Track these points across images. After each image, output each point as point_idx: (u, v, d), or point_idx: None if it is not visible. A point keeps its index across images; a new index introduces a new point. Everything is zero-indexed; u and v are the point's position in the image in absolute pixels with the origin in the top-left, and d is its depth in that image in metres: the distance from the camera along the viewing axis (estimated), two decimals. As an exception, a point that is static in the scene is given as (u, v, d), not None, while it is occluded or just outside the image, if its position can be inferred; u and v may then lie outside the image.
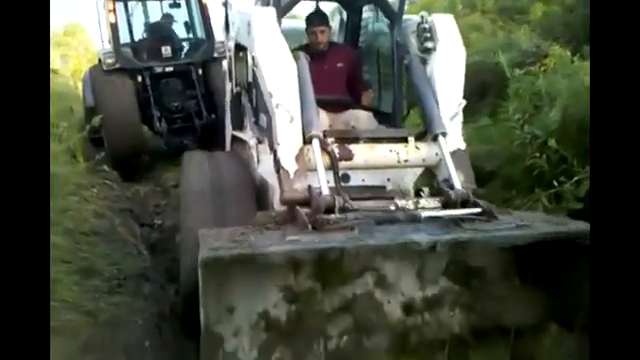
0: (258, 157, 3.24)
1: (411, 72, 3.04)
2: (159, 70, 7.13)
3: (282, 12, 3.08)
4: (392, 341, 2.44)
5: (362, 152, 2.79)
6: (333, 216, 2.24)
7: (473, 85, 4.53)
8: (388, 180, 3.13)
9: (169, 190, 5.79)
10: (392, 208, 2.45)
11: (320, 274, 2.31)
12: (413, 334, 2.47)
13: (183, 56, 7.52)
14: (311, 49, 3.68)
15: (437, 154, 2.80)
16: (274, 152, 2.60)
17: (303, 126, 2.62)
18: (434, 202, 2.52)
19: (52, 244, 3.49)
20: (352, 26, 4.10)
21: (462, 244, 2.26)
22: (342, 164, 2.68)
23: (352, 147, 2.75)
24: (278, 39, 2.74)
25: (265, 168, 3.04)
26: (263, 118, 3.06)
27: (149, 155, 6.98)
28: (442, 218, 2.41)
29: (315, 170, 2.49)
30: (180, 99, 7.25)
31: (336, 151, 2.64)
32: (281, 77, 2.67)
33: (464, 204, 2.49)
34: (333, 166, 2.57)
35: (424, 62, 3.03)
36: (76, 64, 13.44)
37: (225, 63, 4.64)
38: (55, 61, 12.72)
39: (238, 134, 3.87)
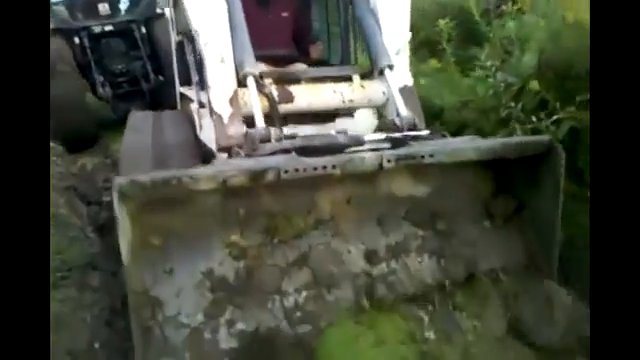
0: (200, 122, 2.97)
1: (355, 5, 2.83)
2: (97, 30, 6.52)
3: None
4: (357, 293, 2.22)
5: (303, 94, 2.57)
6: (269, 144, 2.06)
7: (435, 31, 4.18)
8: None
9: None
10: (333, 133, 2.29)
11: (269, 226, 2.09)
12: (380, 285, 2.25)
13: (123, 13, 6.83)
14: None
15: (384, 93, 2.62)
16: (206, 95, 2.36)
17: (237, 67, 2.36)
18: (381, 135, 2.36)
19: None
20: None
21: (411, 156, 2.05)
22: (282, 108, 2.44)
23: (292, 88, 2.53)
24: None
25: (206, 135, 2.77)
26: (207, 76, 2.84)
27: (96, 124, 6.38)
28: (388, 140, 2.25)
29: (252, 115, 2.24)
30: (124, 61, 6.72)
31: (275, 93, 2.41)
32: (207, 12, 2.37)
33: (411, 129, 2.36)
34: (272, 110, 2.33)
35: None
36: None
37: (167, 10, 4.14)
38: None
39: (185, 91, 3.61)
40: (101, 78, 6.48)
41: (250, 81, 2.31)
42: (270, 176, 1.82)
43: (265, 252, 2.09)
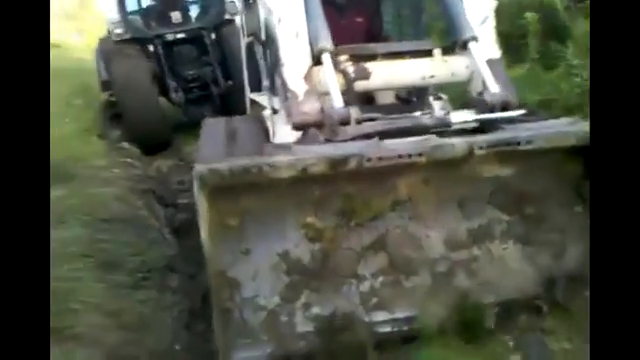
0: (274, 129, 2.93)
1: None
2: (170, 37, 6.64)
3: None
4: (436, 280, 2.08)
5: (380, 70, 2.42)
6: (350, 127, 1.98)
7: (517, 25, 3.96)
8: None
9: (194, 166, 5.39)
10: (417, 114, 2.15)
11: (345, 208, 2.00)
12: (460, 272, 2.10)
13: (194, 20, 6.99)
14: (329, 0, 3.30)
15: (468, 67, 2.42)
16: (279, 74, 2.29)
17: (311, 43, 2.29)
18: (468, 113, 2.17)
19: (72, 238, 3.20)
20: None
21: (505, 143, 1.90)
22: (358, 85, 2.34)
23: (369, 65, 2.39)
24: None
25: (280, 140, 2.71)
26: (278, 81, 2.76)
27: (169, 127, 6.52)
28: (477, 121, 2.09)
29: (327, 94, 2.15)
30: (195, 67, 6.80)
31: (350, 70, 2.31)
32: None
33: (504, 108, 2.14)
34: (348, 87, 2.24)
35: None
36: (90, 37, 13.00)
37: (237, 18, 4.27)
38: (70, 35, 12.30)
39: (255, 97, 3.61)
40: (174, 84, 6.62)
41: (325, 57, 2.23)
42: (352, 164, 1.76)
43: (341, 234, 2.00)
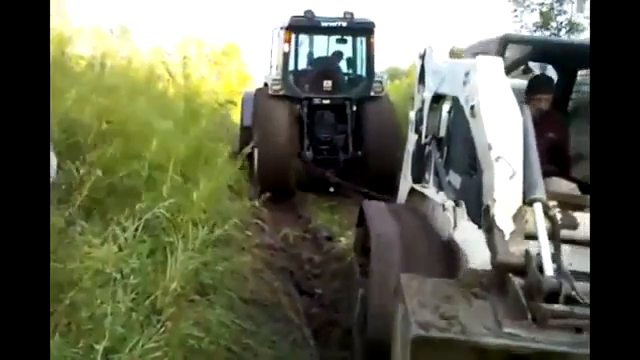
0: (455, 222, 2.85)
1: None
2: (317, 101, 6.89)
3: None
4: None
5: (588, 222, 2.21)
6: (557, 306, 1.84)
7: None
8: None
9: (322, 243, 4.95)
10: None
11: None
12: None
13: (341, 90, 7.10)
14: None
15: None
16: (486, 209, 2.28)
17: (524, 187, 2.30)
18: None
19: (217, 322, 2.74)
20: (563, 90, 3.66)
21: None
22: (564, 233, 2.25)
23: (577, 215, 2.34)
24: (506, 90, 2.48)
25: (462, 235, 2.63)
26: (455, 177, 2.93)
27: (295, 181, 6.53)
28: None
29: (532, 238, 2.13)
30: (330, 132, 7.00)
31: (558, 217, 2.24)
32: (505, 128, 2.37)
33: None
34: (553, 234, 2.18)
35: None
36: (226, 83, 13.69)
37: (412, 114, 4.09)
38: (211, 77, 12.90)
39: (419, 188, 3.60)
40: (307, 142, 6.75)
41: (537, 207, 2.17)
42: None
43: None
